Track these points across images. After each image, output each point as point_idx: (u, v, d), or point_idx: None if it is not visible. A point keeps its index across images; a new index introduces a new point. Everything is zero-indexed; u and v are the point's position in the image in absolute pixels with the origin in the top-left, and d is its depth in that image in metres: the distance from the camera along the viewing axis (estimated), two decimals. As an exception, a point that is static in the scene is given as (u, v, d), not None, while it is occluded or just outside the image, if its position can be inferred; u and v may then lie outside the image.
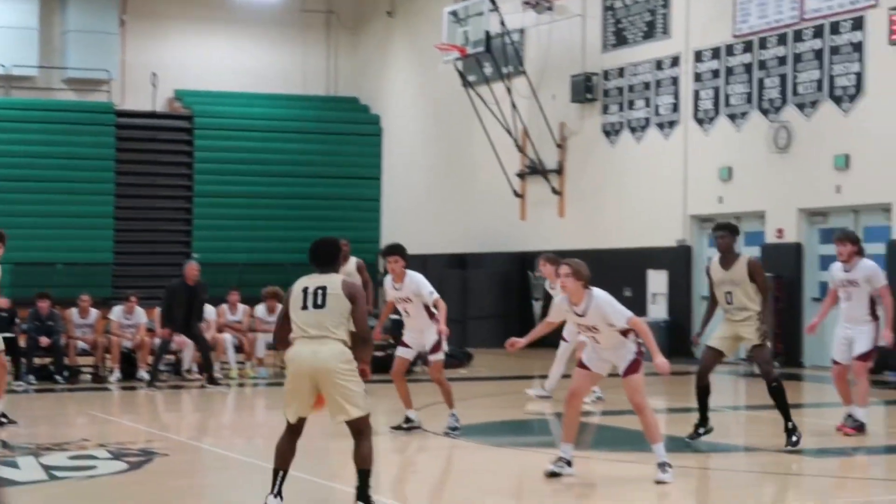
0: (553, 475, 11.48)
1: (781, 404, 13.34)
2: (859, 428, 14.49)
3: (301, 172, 36.67)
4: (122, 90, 36.25)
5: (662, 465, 11.34)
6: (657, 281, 27.19)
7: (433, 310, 14.56)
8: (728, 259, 13.50)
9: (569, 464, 11.61)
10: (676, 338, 26.42)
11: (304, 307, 9.57)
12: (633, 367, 11.42)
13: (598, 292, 11.38)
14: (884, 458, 13.63)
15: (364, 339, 9.62)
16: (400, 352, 14.90)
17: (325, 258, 9.79)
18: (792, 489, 11.54)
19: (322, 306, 9.55)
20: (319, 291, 9.58)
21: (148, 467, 12.29)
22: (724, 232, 13.57)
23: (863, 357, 14.59)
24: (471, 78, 31.51)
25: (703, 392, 13.87)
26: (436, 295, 14.52)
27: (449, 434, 14.33)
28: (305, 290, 9.62)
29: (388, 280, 14.71)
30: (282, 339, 9.83)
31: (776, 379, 13.44)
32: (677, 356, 25.88)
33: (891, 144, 22.43)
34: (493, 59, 30.62)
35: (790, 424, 13.21)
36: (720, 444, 14.45)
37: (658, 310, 27.07)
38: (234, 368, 22.06)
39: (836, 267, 14.78)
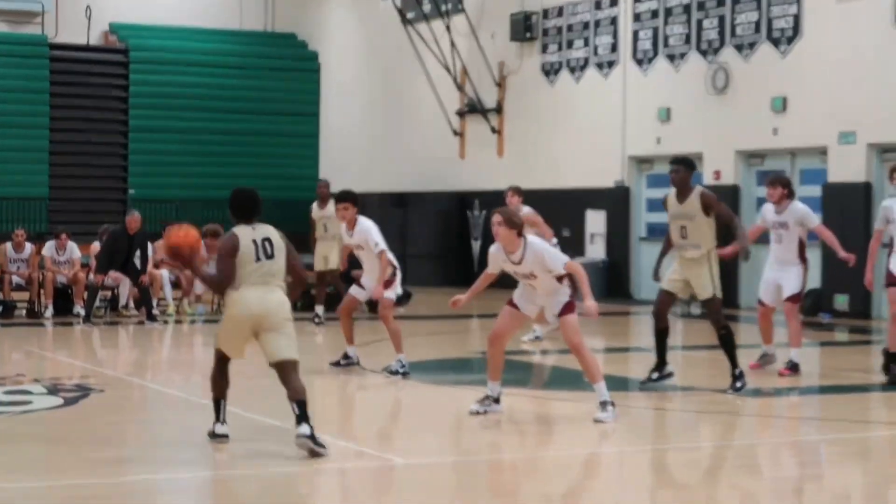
0: (476, 413, 11.52)
1: (729, 351, 13.33)
2: (793, 368, 14.63)
3: (238, 108, 36.41)
4: (56, 22, 35.77)
5: (604, 404, 11.39)
6: (595, 221, 27.28)
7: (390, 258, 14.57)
8: (683, 193, 13.41)
9: (496, 401, 11.67)
10: (614, 278, 26.59)
11: (258, 259, 10.00)
12: (567, 309, 11.47)
13: (533, 239, 11.49)
14: (817, 399, 13.78)
15: (302, 281, 10.53)
16: (353, 290, 14.86)
17: (255, 208, 10.18)
18: (726, 428, 11.65)
19: (272, 257, 10.04)
20: (267, 243, 10.06)
21: (84, 403, 12.23)
22: (678, 166, 13.37)
23: (792, 298, 14.75)
24: (410, 15, 31.36)
25: (662, 335, 13.76)
26: (381, 247, 14.37)
27: (387, 374, 14.28)
28: (255, 243, 10.01)
29: (342, 226, 14.79)
30: (227, 286, 10.08)
31: (725, 326, 13.39)
32: (615, 296, 26.09)
33: (828, 87, 22.56)
34: (432, -3, 30.48)
35: (737, 371, 13.25)
36: (657, 384, 14.55)
37: (596, 250, 27.18)
38: (171, 305, 21.95)
39: (768, 209, 14.96)
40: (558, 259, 11.36)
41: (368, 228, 14.49)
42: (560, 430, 11.42)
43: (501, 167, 29.98)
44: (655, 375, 13.76)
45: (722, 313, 13.40)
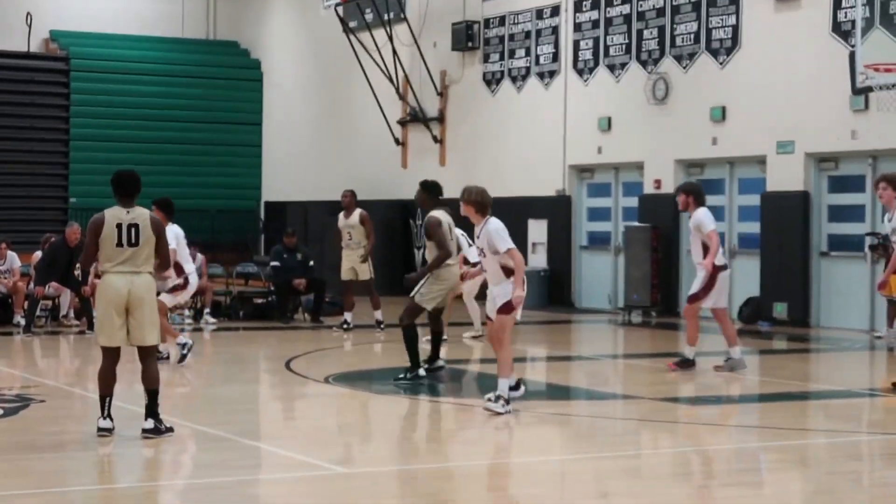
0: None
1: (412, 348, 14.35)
2: (683, 364, 15.41)
3: (180, 117, 36.30)
4: (-4, 30, 35.54)
5: (499, 398, 12.02)
6: (537, 230, 27.38)
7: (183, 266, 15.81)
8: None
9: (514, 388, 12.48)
10: (556, 287, 26.69)
11: (119, 244, 10.60)
12: (505, 308, 11.99)
13: (493, 220, 12.38)
14: (757, 406, 13.90)
15: (165, 265, 11.23)
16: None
17: (132, 189, 10.82)
18: (668, 435, 11.75)
19: (136, 244, 10.63)
20: (133, 229, 10.61)
21: (24, 413, 12.18)
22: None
23: (691, 298, 15.49)
24: (352, 24, 31.38)
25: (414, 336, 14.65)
26: (174, 246, 15.08)
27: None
28: (119, 227, 10.60)
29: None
30: (90, 264, 11.30)
31: (407, 325, 14.37)
32: (556, 305, 26.22)
33: (766, 97, 22.76)
34: (374, 6, 30.51)
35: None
36: (598, 391, 14.66)
37: (538, 259, 27.28)
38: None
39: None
40: (504, 242, 12.17)
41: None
42: (501, 438, 11.48)
43: (444, 176, 29.93)
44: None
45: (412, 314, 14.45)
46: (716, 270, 15.29)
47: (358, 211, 20.99)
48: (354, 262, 20.82)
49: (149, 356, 10.77)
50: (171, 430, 10.70)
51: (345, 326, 20.80)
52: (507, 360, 12.21)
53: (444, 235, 14.57)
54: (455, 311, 18.76)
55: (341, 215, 21.28)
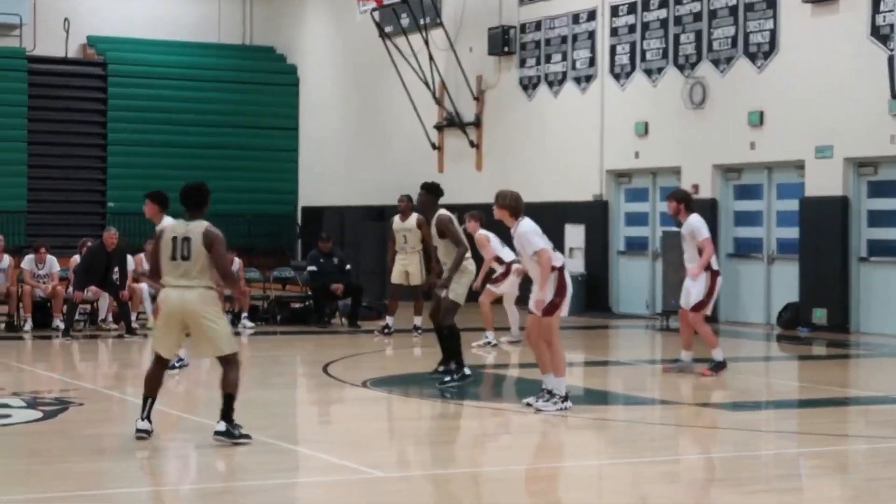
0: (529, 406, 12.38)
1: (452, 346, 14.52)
2: (716, 367, 15.34)
3: (216, 122, 36.41)
4: (34, 35, 35.70)
5: (552, 394, 12.23)
6: (574, 235, 27.32)
7: None
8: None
9: (550, 394, 12.45)
10: (593, 292, 26.63)
11: (174, 258, 10.59)
12: (548, 310, 12.19)
13: (524, 223, 12.59)
14: (796, 413, 13.83)
15: (225, 278, 10.75)
16: None
17: (193, 202, 10.76)
18: (706, 441, 11.69)
19: (188, 258, 10.56)
20: (185, 243, 10.60)
21: (63, 416, 12.22)
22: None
23: (696, 307, 15.54)
24: (388, 29, 31.40)
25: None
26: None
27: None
28: (175, 240, 10.60)
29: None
30: (155, 275, 10.91)
31: (450, 326, 14.50)
32: (594, 310, 26.15)
33: (804, 101, 22.65)
34: (410, 10, 30.53)
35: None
36: (635, 396, 14.62)
37: (575, 264, 27.19)
38: (150, 318, 21.88)
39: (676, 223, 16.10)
40: (532, 245, 12.48)
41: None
42: (539, 443, 11.45)
43: (480, 181, 29.99)
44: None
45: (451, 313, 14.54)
46: (715, 275, 15.54)
47: (415, 215, 20.76)
48: (409, 267, 20.67)
49: (228, 363, 10.63)
50: (247, 437, 10.55)
51: (386, 331, 20.76)
52: (561, 360, 12.28)
53: (458, 230, 14.83)
54: (471, 316, 18.76)
55: (397, 218, 21.12)
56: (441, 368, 14.96)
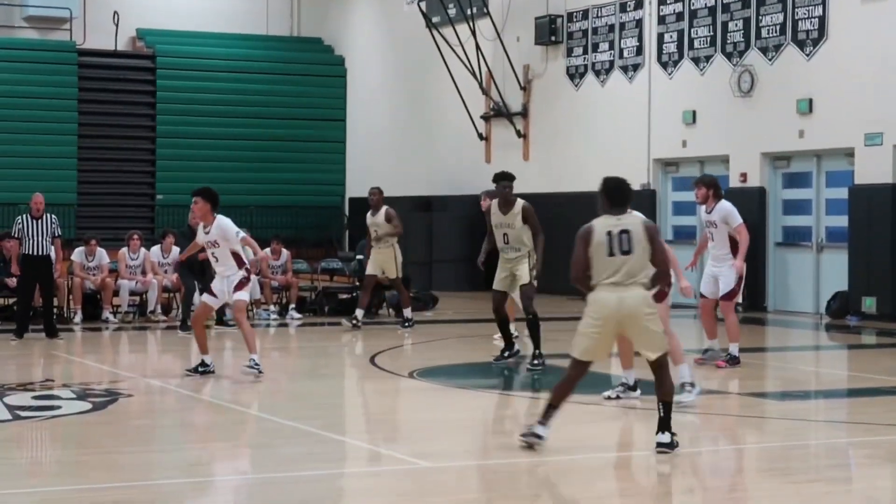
0: (609, 398, 12.56)
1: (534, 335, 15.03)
2: (731, 361, 15.27)
3: (265, 114, 36.51)
4: (84, 29, 35.93)
5: (683, 385, 12.10)
6: (621, 224, 27.21)
7: (243, 257, 14.41)
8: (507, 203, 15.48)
9: (632, 389, 12.66)
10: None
11: (611, 254, 9.85)
12: (657, 297, 11.15)
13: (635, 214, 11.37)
14: (845, 402, 13.75)
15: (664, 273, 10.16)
16: (205, 298, 14.64)
17: (621, 198, 10.11)
18: (756, 431, 11.65)
19: (629, 252, 9.87)
20: (624, 236, 9.89)
21: (112, 408, 12.29)
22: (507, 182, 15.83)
23: (727, 296, 15.54)
24: (435, 19, 31.40)
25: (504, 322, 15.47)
26: (243, 234, 14.39)
27: (248, 370, 14.10)
28: (610, 235, 9.89)
29: (200, 224, 14.50)
30: (582, 279, 10.01)
31: (534, 313, 15.01)
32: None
33: (853, 89, 22.50)
34: (456, 1, 30.51)
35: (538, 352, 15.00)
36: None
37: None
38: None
39: (701, 209, 15.84)
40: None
41: (226, 223, 14.29)
42: (582, 433, 11.44)
43: (527, 171, 29.94)
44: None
45: (533, 299, 15.14)
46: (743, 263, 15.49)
47: (385, 209, 20.64)
48: (384, 263, 20.47)
49: (661, 367, 9.97)
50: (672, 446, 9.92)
51: (354, 322, 20.17)
52: (678, 348, 12.22)
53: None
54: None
55: (369, 214, 20.93)
56: (506, 354, 15.55)
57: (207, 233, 14.33)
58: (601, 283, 9.88)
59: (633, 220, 10.04)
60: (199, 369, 14.48)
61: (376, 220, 20.67)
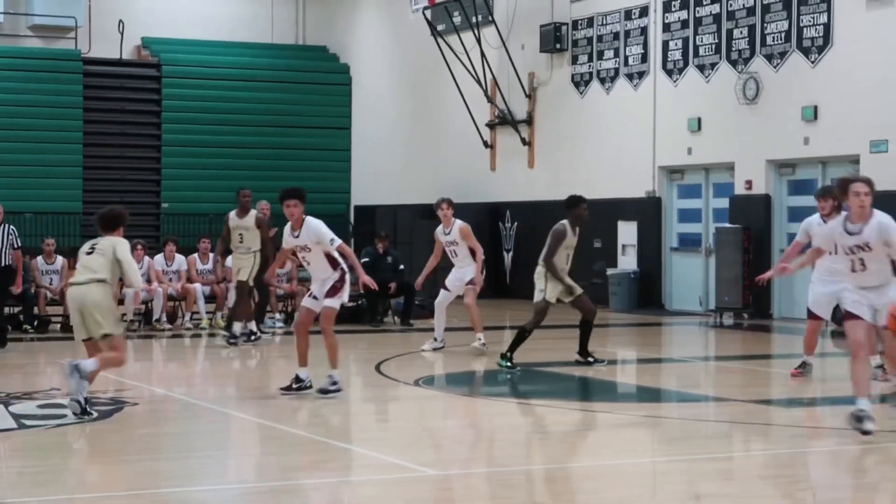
0: None
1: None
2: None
3: (270, 122, 36.52)
4: (89, 37, 35.95)
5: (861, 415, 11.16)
6: (627, 232, 27.25)
7: (337, 258, 13.53)
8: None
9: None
10: (646, 289, 26.54)
11: None
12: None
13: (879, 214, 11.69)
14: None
15: None
16: (306, 302, 13.71)
17: None
18: (761, 438, 11.63)
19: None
20: None
21: (117, 416, 12.28)
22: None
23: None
24: (440, 27, 31.42)
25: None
26: (338, 241, 13.46)
27: (324, 395, 13.43)
28: None
29: (287, 227, 13.72)
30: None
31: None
32: (647, 307, 26.07)
33: (858, 96, 22.49)
34: (462, 9, 30.53)
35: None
36: (689, 394, 14.56)
37: (628, 261, 27.16)
38: (204, 318, 22.05)
39: (813, 222, 14.76)
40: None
41: (317, 226, 13.44)
42: (592, 440, 11.43)
43: (532, 179, 30.00)
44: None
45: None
46: None
47: (253, 212, 19.35)
48: (242, 266, 19.05)
49: None
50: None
51: (253, 338, 19.09)
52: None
53: None
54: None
55: (233, 214, 19.47)
56: (591, 359, 16.17)
57: (297, 237, 13.52)
58: None
59: None
60: (294, 386, 13.62)
61: (243, 224, 19.21)
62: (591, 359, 16.17)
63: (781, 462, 10.47)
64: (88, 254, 12.24)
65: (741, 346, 20.52)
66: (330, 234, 13.36)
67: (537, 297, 15.82)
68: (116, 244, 12.22)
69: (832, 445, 11.26)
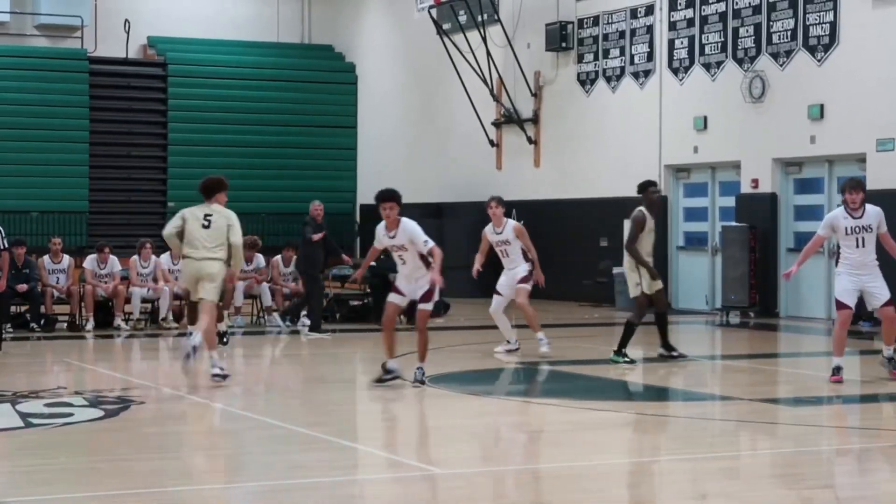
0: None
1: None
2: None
3: (276, 121, 36.53)
4: (95, 36, 35.97)
5: None
6: (633, 231, 27.18)
7: (429, 258, 14.06)
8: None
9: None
10: (651, 287, 26.50)
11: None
12: None
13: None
14: (859, 407, 13.71)
15: None
16: (392, 298, 14.35)
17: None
18: (767, 437, 11.62)
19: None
20: None
21: (124, 415, 12.30)
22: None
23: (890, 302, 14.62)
24: (445, 26, 31.42)
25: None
26: (431, 244, 14.01)
27: (415, 385, 14.06)
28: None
29: (380, 227, 14.28)
30: None
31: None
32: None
33: (865, 94, 22.48)
34: (467, 8, 30.53)
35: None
36: (695, 392, 14.55)
37: (633, 259, 27.09)
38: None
39: (839, 215, 14.70)
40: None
41: (412, 227, 14.07)
42: (598, 439, 11.42)
43: (538, 177, 29.99)
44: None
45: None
46: None
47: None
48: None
49: None
50: None
51: (225, 341, 17.62)
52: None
53: None
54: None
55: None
56: (675, 353, 16.47)
57: (393, 237, 14.13)
58: None
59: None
60: (386, 378, 14.18)
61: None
62: (674, 353, 16.41)
63: (788, 461, 10.47)
64: (205, 227, 14.50)
65: (747, 345, 20.51)
66: (424, 236, 13.99)
67: (634, 291, 16.28)
68: (231, 228, 14.75)
69: (839, 444, 11.26)
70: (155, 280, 21.76)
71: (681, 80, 26.37)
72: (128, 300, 21.55)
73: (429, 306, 14.14)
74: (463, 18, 31.08)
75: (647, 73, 27.24)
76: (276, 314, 22.24)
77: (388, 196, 14.30)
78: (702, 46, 25.88)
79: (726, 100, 25.13)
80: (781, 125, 24.01)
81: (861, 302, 14.59)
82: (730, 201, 25.30)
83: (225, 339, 17.29)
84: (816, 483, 9.63)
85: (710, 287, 25.64)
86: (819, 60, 23.38)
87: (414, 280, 14.12)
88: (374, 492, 9.30)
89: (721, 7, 25.45)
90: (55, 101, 34.26)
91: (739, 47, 25.02)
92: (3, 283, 18.40)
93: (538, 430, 12.21)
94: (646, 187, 16.54)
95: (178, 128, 35.71)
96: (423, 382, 14.06)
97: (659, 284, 16.27)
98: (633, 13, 27.61)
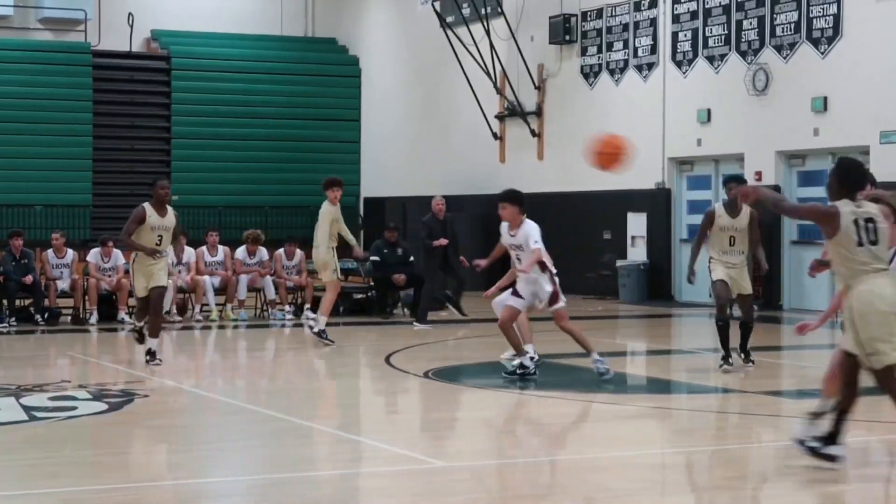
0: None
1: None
2: None
3: (279, 114, 36.53)
4: (99, 30, 35.98)
5: None
6: (636, 224, 27.23)
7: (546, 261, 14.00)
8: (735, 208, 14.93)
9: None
10: (655, 280, 26.53)
11: (860, 244, 9.07)
12: None
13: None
14: (863, 400, 13.68)
15: None
16: (511, 301, 14.10)
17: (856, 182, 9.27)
18: (770, 429, 11.63)
19: (876, 242, 9.13)
20: (870, 224, 9.10)
21: (128, 408, 12.31)
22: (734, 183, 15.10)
23: None
24: (449, 19, 31.40)
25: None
26: (536, 245, 13.90)
27: (603, 376, 13.83)
28: (857, 223, 9.06)
29: (503, 226, 14.36)
30: None
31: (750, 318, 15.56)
32: (656, 299, 26.06)
33: (868, 87, 22.46)
34: (470, 0, 30.51)
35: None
36: (698, 385, 14.56)
37: (637, 252, 27.14)
38: (214, 310, 22.10)
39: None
40: None
41: (529, 229, 14.09)
42: (601, 432, 11.44)
43: (542, 170, 29.97)
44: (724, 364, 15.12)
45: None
46: None
47: (172, 210, 16.58)
48: (157, 270, 15.93)
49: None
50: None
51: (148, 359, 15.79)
52: None
53: None
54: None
55: (154, 213, 16.46)
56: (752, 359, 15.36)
57: (513, 236, 14.15)
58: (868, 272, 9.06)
59: (871, 207, 9.25)
60: (519, 371, 14.12)
61: (165, 223, 16.32)
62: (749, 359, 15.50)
63: (791, 453, 10.46)
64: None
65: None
66: (535, 237, 13.93)
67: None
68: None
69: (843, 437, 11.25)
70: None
71: (684, 73, 26.35)
72: (131, 294, 21.53)
73: (560, 305, 13.96)
74: (466, 11, 31.07)
75: (650, 66, 27.22)
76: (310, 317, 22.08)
77: (501, 197, 14.48)
78: (705, 39, 25.86)
79: (730, 92, 25.12)
80: (785, 118, 24.00)
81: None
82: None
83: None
84: (819, 476, 9.64)
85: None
86: (823, 53, 23.36)
87: (530, 281, 13.96)
88: (376, 485, 9.31)
89: (724, 0, 25.42)
90: (59, 95, 34.25)
91: (743, 40, 25.00)
92: None
93: (540, 422, 12.22)
94: (725, 182, 16.06)
95: (181, 121, 35.71)
96: (608, 370, 13.87)
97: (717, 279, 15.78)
98: (637, 6, 27.59)
